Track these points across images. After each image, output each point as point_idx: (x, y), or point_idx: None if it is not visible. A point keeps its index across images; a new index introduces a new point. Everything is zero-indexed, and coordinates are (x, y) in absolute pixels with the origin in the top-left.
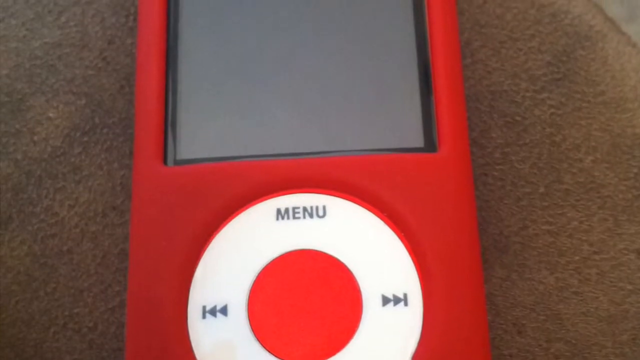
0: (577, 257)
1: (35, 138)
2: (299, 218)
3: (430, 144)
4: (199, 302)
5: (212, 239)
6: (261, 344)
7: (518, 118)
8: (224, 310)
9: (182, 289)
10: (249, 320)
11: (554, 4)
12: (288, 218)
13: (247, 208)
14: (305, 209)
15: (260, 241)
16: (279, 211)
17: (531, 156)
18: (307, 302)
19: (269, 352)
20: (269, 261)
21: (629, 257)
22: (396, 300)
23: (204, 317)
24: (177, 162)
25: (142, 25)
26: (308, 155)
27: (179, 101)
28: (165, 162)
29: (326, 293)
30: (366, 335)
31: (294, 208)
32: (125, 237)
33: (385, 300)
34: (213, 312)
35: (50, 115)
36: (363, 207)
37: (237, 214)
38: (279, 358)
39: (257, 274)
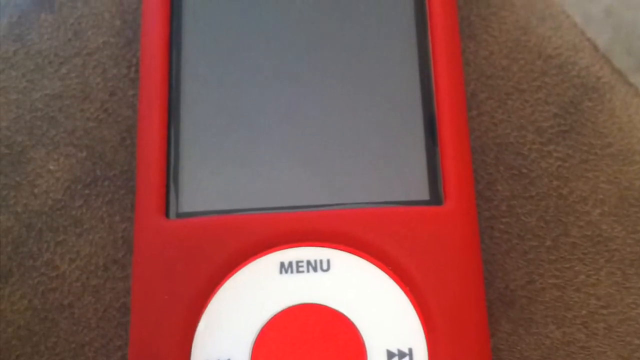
0: (584, 312)
1: (36, 191)
2: (302, 272)
3: (435, 197)
4: (201, 356)
5: (214, 293)
6: None
7: (524, 170)
8: None
9: (185, 343)
10: None
11: (561, 55)
12: (292, 272)
13: (250, 261)
14: (309, 263)
15: (263, 295)
16: (282, 265)
17: (538, 209)
18: (311, 357)
19: None
20: (273, 315)
21: (637, 311)
22: (401, 355)
23: None
24: (179, 215)
25: (144, 77)
26: (312, 208)
27: (181, 154)
28: (167, 215)
29: (330, 348)
30: None
31: (297, 262)
32: (127, 291)
33: (390, 355)
34: None
35: (51, 167)
36: (368, 260)
37: (240, 268)
38: None
39: (260, 329)
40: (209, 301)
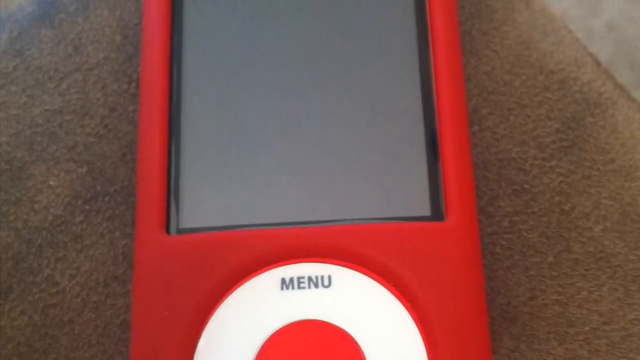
0: (586, 328)
1: (36, 206)
2: (304, 288)
3: (437, 213)
4: None
5: (215, 309)
6: None
7: (526, 186)
8: None
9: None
10: None
11: (563, 70)
12: (293, 288)
13: (251, 278)
14: (310, 279)
15: (264, 311)
16: (283, 281)
17: (540, 225)
18: None
19: None
20: (274, 332)
21: (639, 327)
22: None
23: None
24: (180, 231)
25: (144, 92)
26: (313, 224)
27: (181, 169)
28: (167, 231)
29: None
30: None
31: (298, 278)
32: (127, 307)
33: None
34: None
35: (51, 183)
36: (369, 276)
37: (241, 284)
38: None
39: (261, 345)
40: (210, 317)
